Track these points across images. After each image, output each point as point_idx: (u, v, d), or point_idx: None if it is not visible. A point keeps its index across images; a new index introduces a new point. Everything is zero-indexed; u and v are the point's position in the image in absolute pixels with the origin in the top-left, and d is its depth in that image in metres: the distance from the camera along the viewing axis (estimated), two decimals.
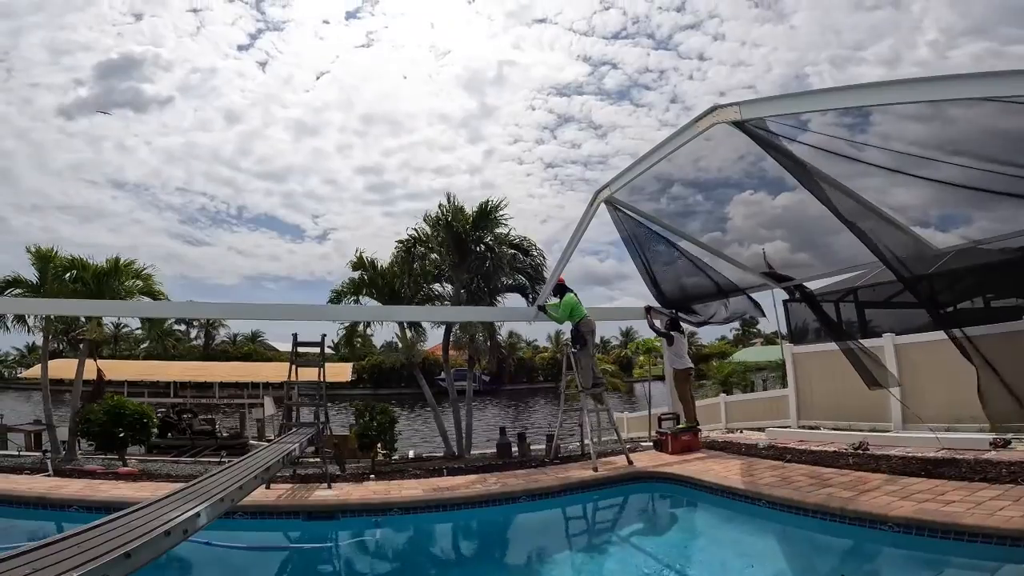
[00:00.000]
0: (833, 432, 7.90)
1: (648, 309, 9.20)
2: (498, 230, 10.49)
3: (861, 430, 7.67)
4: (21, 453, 10.01)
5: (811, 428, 8.76)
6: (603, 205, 7.78)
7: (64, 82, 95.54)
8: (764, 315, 9.64)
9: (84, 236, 74.95)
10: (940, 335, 7.78)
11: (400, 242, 10.96)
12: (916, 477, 5.13)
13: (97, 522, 2.65)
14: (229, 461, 5.55)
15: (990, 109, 3.41)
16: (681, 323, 9.15)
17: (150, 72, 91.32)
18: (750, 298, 8.74)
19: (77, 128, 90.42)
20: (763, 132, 5.20)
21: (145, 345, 49.89)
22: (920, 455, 5.83)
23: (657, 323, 9.15)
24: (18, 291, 10.45)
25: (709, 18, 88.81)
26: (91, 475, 7.29)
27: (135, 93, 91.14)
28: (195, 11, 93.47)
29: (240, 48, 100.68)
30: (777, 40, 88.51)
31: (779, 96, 4.83)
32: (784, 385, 10.90)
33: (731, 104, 5.19)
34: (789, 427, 9.38)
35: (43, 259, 10.46)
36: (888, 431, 7.60)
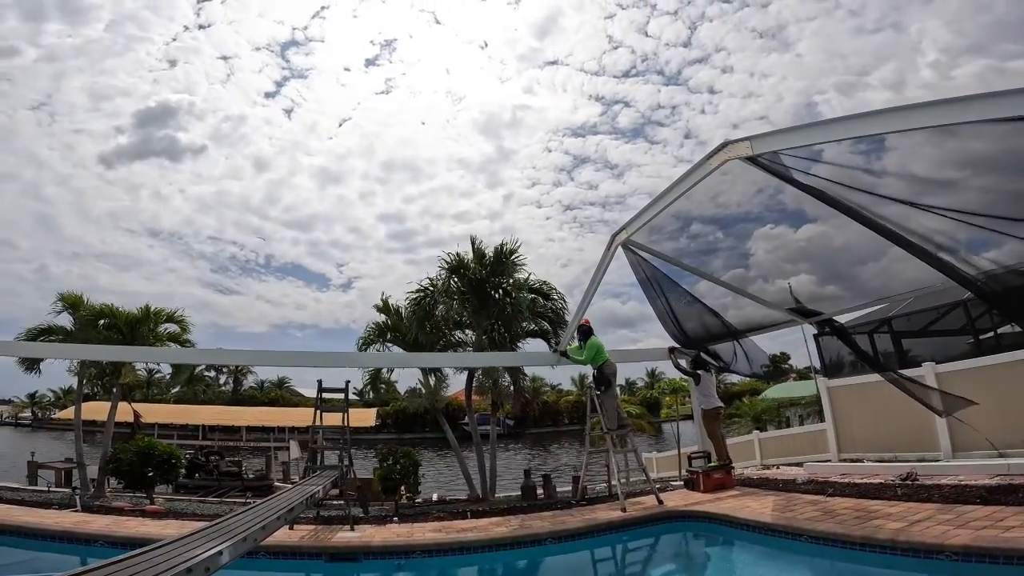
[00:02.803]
0: (877, 464, 7.53)
1: (672, 350, 9.06)
2: (517, 275, 10.54)
3: (908, 461, 7.30)
4: (51, 489, 10.23)
5: (853, 461, 8.36)
6: (621, 248, 7.77)
7: (105, 129, 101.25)
8: (767, 370, 9.55)
9: (121, 284, 78.08)
10: (983, 361, 7.52)
11: (411, 294, 10.94)
12: (971, 505, 4.86)
13: (120, 557, 2.67)
14: (254, 502, 5.56)
15: (1003, 129, 3.38)
16: (707, 362, 8.99)
17: (185, 121, 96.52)
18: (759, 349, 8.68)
19: (116, 176, 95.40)
20: (778, 166, 5.20)
21: (176, 390, 50.92)
22: (974, 483, 5.51)
23: (682, 363, 8.97)
24: (53, 338, 10.91)
25: (716, 51, 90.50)
26: (118, 512, 7.38)
27: (171, 142, 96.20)
28: (225, 58, 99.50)
29: (267, 95, 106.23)
30: (785, 69, 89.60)
31: (789, 128, 4.80)
32: (821, 419, 10.49)
33: (742, 139, 5.19)
34: (829, 461, 8.97)
35: (73, 305, 10.94)
36: (937, 460, 7.21)
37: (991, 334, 8.88)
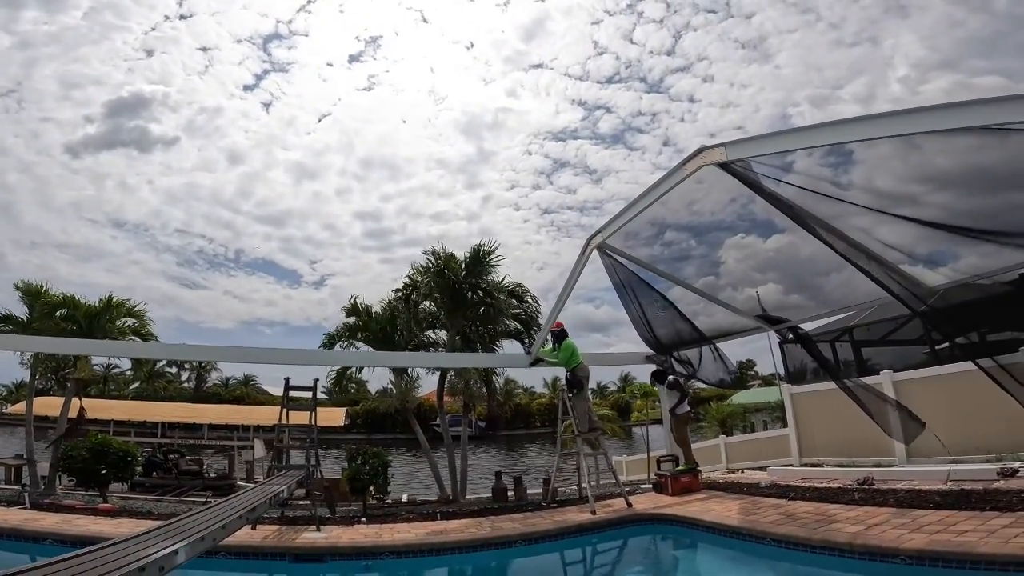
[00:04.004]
0: (837, 469, 7.76)
1: (674, 382, 9.10)
2: (491, 276, 10.53)
3: (865, 466, 7.54)
4: None
5: (814, 465, 8.61)
6: (596, 252, 7.82)
7: (73, 118, 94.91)
8: (734, 377, 9.69)
9: (81, 275, 73.99)
10: (939, 370, 7.82)
11: (397, 290, 10.93)
12: (925, 509, 5.03)
13: (70, 555, 2.54)
14: (214, 501, 5.40)
15: (965, 143, 3.53)
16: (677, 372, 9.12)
17: (158, 112, 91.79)
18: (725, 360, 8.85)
19: (81, 165, 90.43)
20: (751, 175, 5.31)
21: (135, 386, 49.13)
22: (928, 488, 5.72)
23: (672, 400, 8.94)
24: (8, 328, 10.39)
25: (698, 60, 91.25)
26: (69, 510, 7.11)
27: (141, 132, 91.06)
28: (204, 50, 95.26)
29: (246, 88, 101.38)
30: (764, 80, 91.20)
31: (763, 135, 4.92)
32: (784, 425, 10.77)
33: (717, 145, 5.28)
34: (791, 465, 9.21)
35: (32, 295, 10.48)
36: (893, 465, 7.48)
37: (946, 344, 9.24)
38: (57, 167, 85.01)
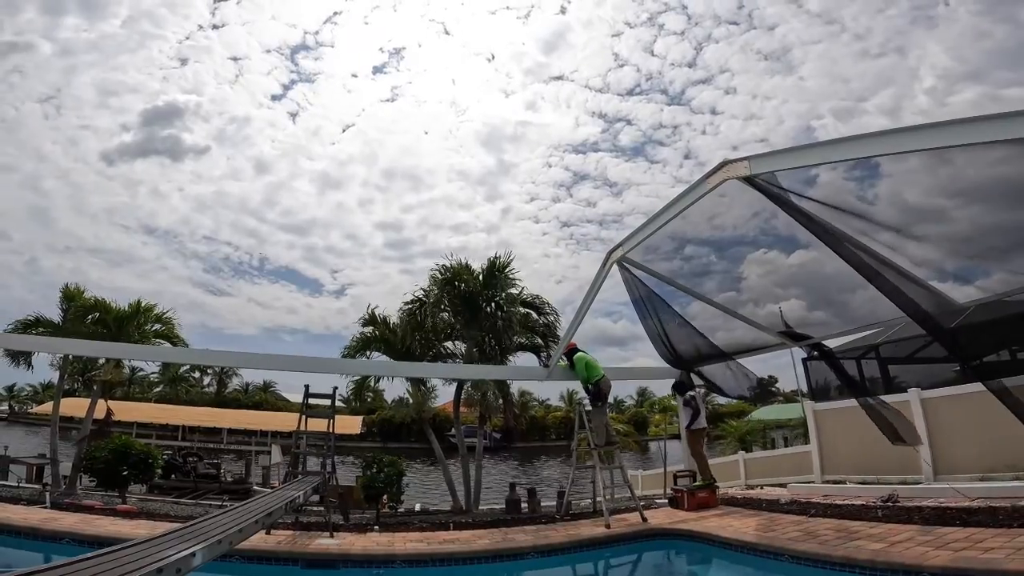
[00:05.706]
0: (860, 486, 7.54)
1: (690, 398, 9.00)
2: (509, 289, 10.53)
3: (890, 483, 7.32)
4: (21, 484, 9.98)
5: (836, 483, 8.37)
6: (615, 266, 7.77)
7: (111, 125, 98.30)
8: (755, 392, 9.51)
9: (111, 280, 76.28)
10: (968, 388, 7.56)
11: (405, 303, 10.97)
12: (951, 527, 4.89)
13: (88, 555, 2.59)
14: (230, 504, 5.46)
15: (994, 156, 3.43)
16: (694, 387, 8.98)
17: (190, 121, 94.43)
18: (750, 373, 8.68)
19: (116, 172, 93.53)
20: (775, 188, 5.23)
21: (158, 389, 50.16)
22: (954, 505, 5.53)
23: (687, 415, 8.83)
24: (40, 330, 10.73)
25: (720, 72, 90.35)
26: (89, 510, 7.21)
27: (174, 141, 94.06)
28: (235, 59, 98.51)
29: (274, 98, 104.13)
30: (787, 92, 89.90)
31: (788, 149, 4.84)
32: (806, 441, 10.52)
33: (741, 159, 5.22)
34: (813, 482, 8.98)
35: (70, 298, 10.82)
36: (919, 483, 7.24)
37: (977, 362, 8.95)
38: (93, 174, 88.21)
